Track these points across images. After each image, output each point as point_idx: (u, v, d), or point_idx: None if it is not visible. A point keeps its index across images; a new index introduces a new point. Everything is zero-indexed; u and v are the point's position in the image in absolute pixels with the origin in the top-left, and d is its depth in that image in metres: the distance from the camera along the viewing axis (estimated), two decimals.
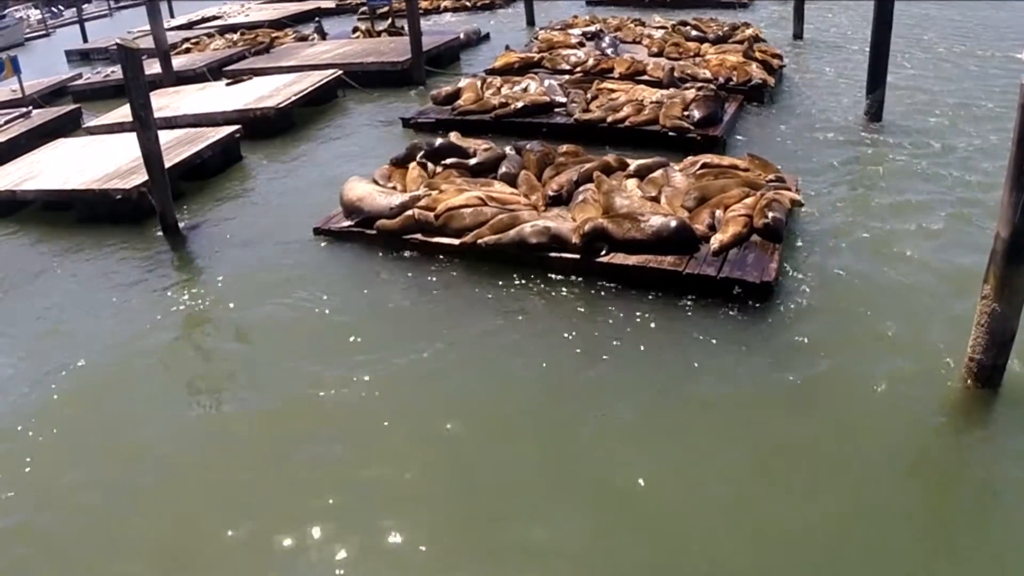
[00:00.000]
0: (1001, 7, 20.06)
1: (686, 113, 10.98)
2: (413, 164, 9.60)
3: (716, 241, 7.24)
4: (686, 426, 5.47)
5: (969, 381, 5.51)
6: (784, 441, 5.25)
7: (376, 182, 9.24)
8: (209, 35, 23.28)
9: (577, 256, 7.38)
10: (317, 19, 23.57)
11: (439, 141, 10.01)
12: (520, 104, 11.94)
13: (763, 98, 12.58)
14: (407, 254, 8.05)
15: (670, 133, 10.66)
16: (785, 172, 8.82)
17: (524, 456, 5.29)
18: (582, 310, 6.89)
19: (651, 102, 11.46)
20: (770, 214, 7.38)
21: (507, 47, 16.27)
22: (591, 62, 14.32)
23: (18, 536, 5.06)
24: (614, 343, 6.39)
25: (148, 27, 17.61)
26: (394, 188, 9.13)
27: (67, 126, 14.46)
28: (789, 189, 8.20)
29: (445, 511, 4.91)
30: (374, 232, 8.36)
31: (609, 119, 11.17)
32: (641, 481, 4.97)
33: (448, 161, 9.55)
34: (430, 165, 9.54)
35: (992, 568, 4.32)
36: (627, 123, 11.05)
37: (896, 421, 5.32)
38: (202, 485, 5.34)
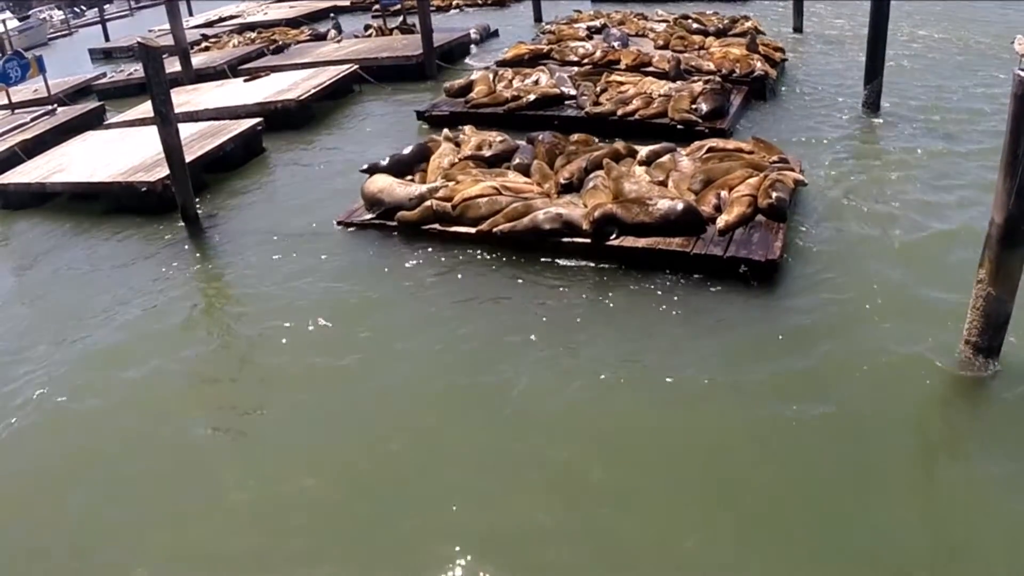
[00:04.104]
0: None
1: (694, 106, 11.22)
2: (436, 154, 9.86)
3: (722, 221, 7.48)
4: (691, 396, 5.70)
5: (966, 361, 5.63)
6: (782, 414, 5.43)
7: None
8: (227, 33, 23.69)
9: (589, 240, 7.63)
10: (333, 15, 23.92)
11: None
12: (532, 97, 12.23)
13: (765, 91, 12.78)
14: (427, 243, 8.28)
15: (679, 126, 10.90)
16: (789, 154, 9.05)
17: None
18: (595, 291, 7.15)
19: (659, 95, 11.70)
20: (774, 194, 7.59)
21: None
22: (598, 54, 14.60)
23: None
24: (626, 321, 6.68)
25: (168, 26, 18.05)
26: (412, 180, 9.42)
27: (91, 123, 14.75)
28: (793, 170, 8.39)
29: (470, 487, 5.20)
30: (395, 223, 8.62)
31: (619, 112, 11.44)
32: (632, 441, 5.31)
33: (466, 152, 9.81)
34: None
35: (983, 549, 4.42)
36: (637, 116, 11.31)
37: (893, 397, 5.47)
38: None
